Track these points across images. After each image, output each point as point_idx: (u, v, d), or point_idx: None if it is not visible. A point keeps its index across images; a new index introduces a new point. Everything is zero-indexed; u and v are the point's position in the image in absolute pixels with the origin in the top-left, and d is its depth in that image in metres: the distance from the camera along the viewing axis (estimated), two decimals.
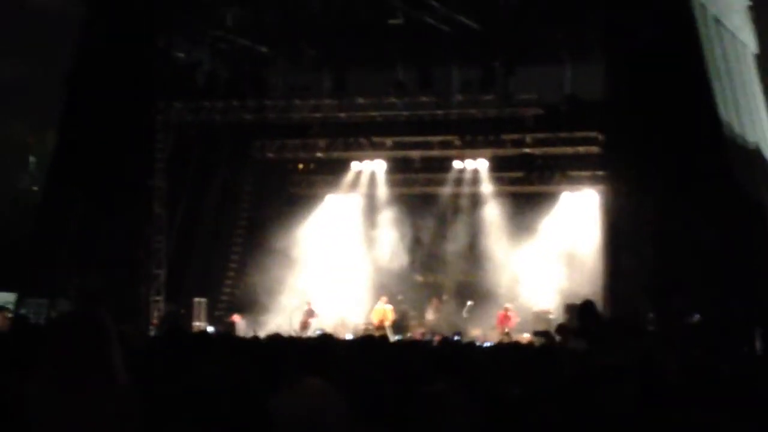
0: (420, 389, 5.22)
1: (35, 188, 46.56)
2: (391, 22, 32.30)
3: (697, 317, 26.50)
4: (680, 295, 27.56)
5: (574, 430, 6.69)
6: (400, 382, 7.56)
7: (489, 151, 35.28)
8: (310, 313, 34.65)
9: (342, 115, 33.64)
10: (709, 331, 24.82)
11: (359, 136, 35.41)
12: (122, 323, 28.09)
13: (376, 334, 31.70)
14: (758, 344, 23.81)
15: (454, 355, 13.22)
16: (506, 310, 33.88)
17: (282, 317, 34.88)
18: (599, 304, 29.55)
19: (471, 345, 19.56)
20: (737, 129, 30.52)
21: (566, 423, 6.68)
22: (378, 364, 10.14)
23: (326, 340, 15.81)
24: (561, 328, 16.32)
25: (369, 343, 16.24)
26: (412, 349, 15.01)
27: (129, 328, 26.71)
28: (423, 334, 33.76)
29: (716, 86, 29.57)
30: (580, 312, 15.05)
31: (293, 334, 28.67)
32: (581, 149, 34.04)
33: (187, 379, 8.82)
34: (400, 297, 36.59)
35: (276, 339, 15.63)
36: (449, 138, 34.87)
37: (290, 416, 6.84)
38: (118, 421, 5.23)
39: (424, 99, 33.04)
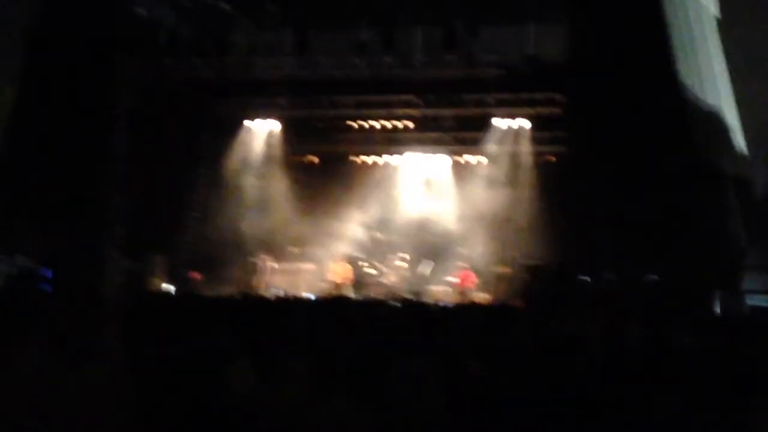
0: (388, 367, 5.29)
1: None
2: None
3: (654, 279, 26.73)
4: (639, 258, 27.77)
5: (535, 404, 6.78)
6: (362, 347, 7.63)
7: (450, 111, 35.27)
8: (270, 271, 34.64)
9: (304, 73, 33.51)
10: (668, 294, 25.04)
11: (321, 95, 35.32)
12: (81, 280, 28.12)
13: (335, 292, 31.86)
14: (717, 308, 24.08)
15: (413, 317, 13.32)
16: (465, 269, 33.99)
17: (240, 275, 34.84)
18: (556, 266, 29.92)
19: (429, 305, 19.65)
20: (697, 91, 30.69)
21: (527, 398, 6.76)
22: (340, 327, 10.20)
23: (289, 301, 15.91)
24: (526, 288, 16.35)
25: (330, 304, 16.34)
26: (372, 310, 15.10)
27: (86, 286, 26.78)
28: (381, 293, 33.82)
29: (677, 49, 29.71)
30: (555, 275, 15.14)
31: (252, 292, 28.74)
32: (543, 111, 34.09)
33: (147, 341, 8.86)
34: (359, 255, 36.62)
35: (238, 299, 15.71)
36: (410, 98, 34.83)
37: (254, 388, 6.88)
38: (108, 390, 5.23)
39: (386, 59, 32.98)
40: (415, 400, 5.07)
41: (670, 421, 5.99)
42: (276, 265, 34.95)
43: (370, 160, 38.33)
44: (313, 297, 29.68)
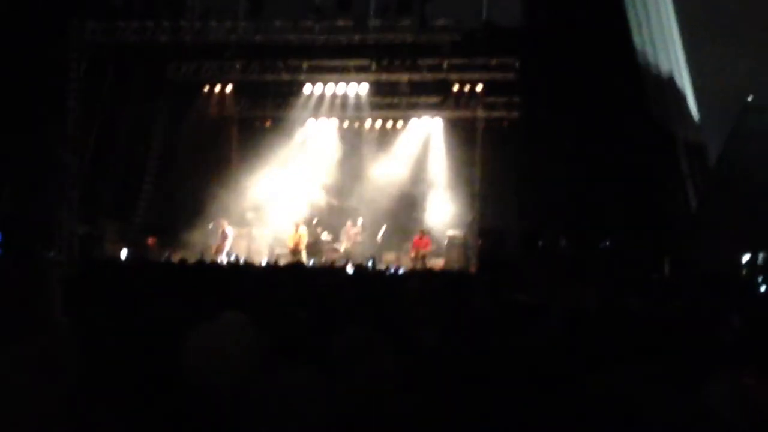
0: (338, 333, 5.27)
1: None
2: None
3: (607, 244, 26.90)
4: (592, 222, 27.92)
5: (491, 373, 6.78)
6: (317, 315, 7.61)
7: (405, 76, 35.23)
8: (224, 236, 34.57)
9: (258, 37, 33.32)
10: (620, 258, 25.19)
11: (275, 59, 35.17)
12: (35, 246, 27.95)
13: (291, 258, 31.85)
14: (667, 272, 24.24)
15: (368, 285, 13.33)
16: (421, 234, 34.07)
17: (196, 240, 34.78)
18: (512, 231, 30.06)
19: (384, 272, 19.72)
20: (651, 58, 30.80)
21: (482, 368, 6.76)
22: (295, 294, 10.19)
23: (242, 268, 15.88)
24: (483, 257, 16.38)
25: (285, 270, 16.33)
26: (327, 276, 15.10)
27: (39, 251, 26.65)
28: (337, 259, 33.89)
29: (631, 14, 29.81)
30: (521, 239, 15.16)
31: (206, 257, 28.67)
32: (498, 75, 34.13)
33: (97, 308, 8.80)
34: (314, 221, 36.63)
35: (192, 266, 15.66)
36: (365, 62, 34.75)
37: (207, 353, 6.83)
38: (53, 365, 5.14)
39: (341, 23, 32.84)
40: (366, 369, 5.05)
41: (628, 389, 6.01)
42: (232, 230, 34.85)
43: (325, 125, 38.33)
44: (265, 262, 29.70)
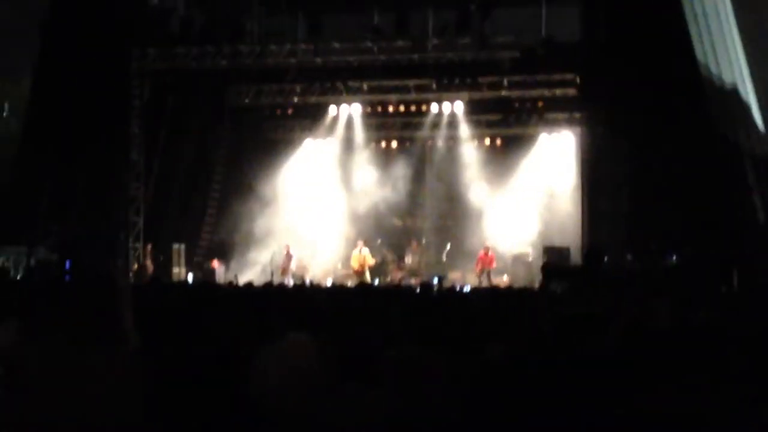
0: (391, 353, 5.25)
1: (11, 136, 46.22)
2: None
3: (674, 258, 26.65)
4: (658, 236, 27.68)
5: (559, 389, 6.72)
6: (382, 335, 7.58)
7: (466, 95, 35.18)
8: (289, 258, 34.68)
9: (318, 60, 33.43)
10: (688, 272, 24.95)
11: (335, 81, 35.26)
12: (101, 270, 28.15)
13: (355, 278, 31.86)
14: (736, 284, 23.95)
15: (434, 304, 13.28)
16: (486, 250, 33.94)
17: (261, 263, 34.93)
18: (577, 247, 29.87)
19: (451, 290, 19.64)
20: (714, 69, 30.52)
21: (550, 383, 6.70)
22: (360, 315, 10.16)
23: (309, 290, 15.88)
24: (545, 267, 16.28)
25: (350, 291, 16.31)
26: (393, 295, 15.05)
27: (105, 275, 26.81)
28: (402, 279, 33.86)
29: (693, 26, 29.56)
30: (585, 256, 15.01)
31: (272, 279, 28.76)
32: (558, 92, 34.02)
33: (165, 330, 8.83)
34: (378, 241, 36.68)
35: (258, 288, 15.69)
36: (425, 82, 34.76)
37: (272, 373, 6.84)
38: (125, 385, 5.19)
39: (400, 43, 32.87)
40: (423, 386, 5.03)
41: (699, 402, 5.93)
42: (296, 251, 34.98)
43: (387, 143, 38.38)
44: (330, 283, 29.73)
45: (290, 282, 32.05)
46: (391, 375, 5.08)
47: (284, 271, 34.07)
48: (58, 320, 5.26)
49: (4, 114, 53.71)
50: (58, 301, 5.30)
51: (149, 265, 33.10)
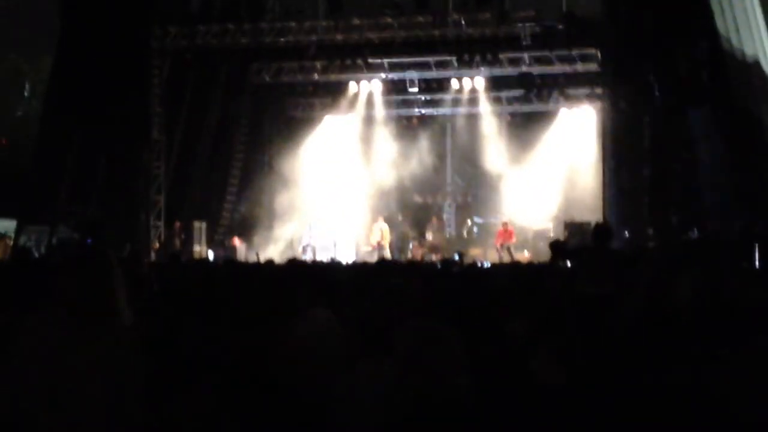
0: (405, 326, 5.29)
1: (32, 115, 46.40)
2: None
3: (696, 233, 26.58)
4: (679, 211, 27.63)
5: (581, 364, 6.75)
6: (400, 311, 7.61)
7: (486, 70, 35.12)
8: (310, 236, 34.77)
9: (338, 36, 33.38)
10: (709, 247, 24.89)
11: (356, 58, 35.22)
12: (122, 250, 28.27)
13: (376, 255, 31.92)
14: (757, 259, 23.87)
15: (454, 278, 13.32)
16: (505, 225, 33.97)
17: (282, 240, 35.04)
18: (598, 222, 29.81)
19: (472, 266, 19.66)
20: (735, 43, 30.37)
21: (571, 357, 6.73)
22: (379, 291, 10.18)
23: (329, 266, 15.93)
24: (554, 245, 16.20)
25: (371, 267, 16.36)
26: (413, 272, 15.08)
27: (126, 254, 26.90)
28: (423, 255, 33.91)
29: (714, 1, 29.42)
30: (594, 234, 14.96)
31: (294, 256, 28.82)
32: (579, 67, 33.90)
33: (188, 309, 8.89)
34: (399, 217, 36.73)
35: (279, 265, 15.74)
36: (446, 58, 34.70)
37: (296, 348, 6.90)
38: (119, 361, 5.29)
39: (420, 19, 32.79)
40: (437, 360, 5.06)
41: (721, 378, 5.92)
42: (318, 228, 35.08)
43: (406, 120, 38.38)
44: (351, 261, 29.79)
45: (310, 258, 32.13)
46: (406, 348, 5.11)
47: (304, 248, 34.17)
48: (55, 295, 5.40)
49: (27, 94, 53.93)
50: (54, 278, 5.43)
51: (177, 242, 33.20)
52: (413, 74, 35.37)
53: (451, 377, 4.97)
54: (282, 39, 33.54)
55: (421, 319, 5.54)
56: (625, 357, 6.60)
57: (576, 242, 27.47)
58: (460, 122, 37.49)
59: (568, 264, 15.05)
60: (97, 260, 5.50)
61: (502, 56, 33.87)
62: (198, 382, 6.19)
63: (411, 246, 35.91)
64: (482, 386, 5.25)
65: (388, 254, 32.97)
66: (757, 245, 24.15)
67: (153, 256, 31.47)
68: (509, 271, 16.02)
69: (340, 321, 7.35)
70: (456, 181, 38.04)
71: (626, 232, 27.56)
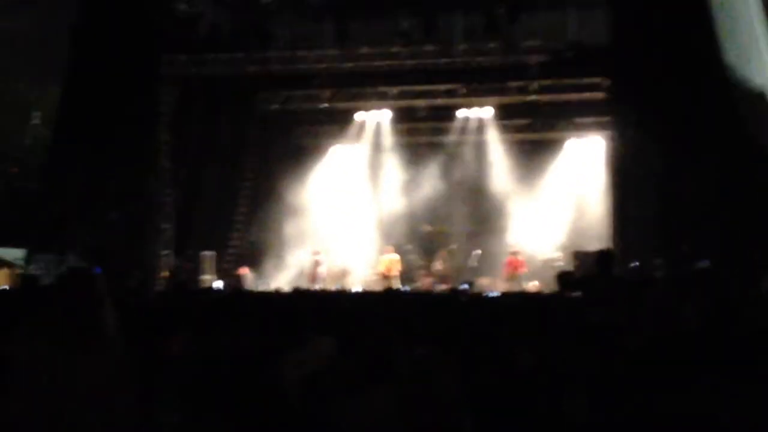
0: (406, 353, 5.26)
1: (41, 143, 46.49)
2: None
3: (705, 263, 26.49)
4: (688, 240, 27.55)
5: (586, 392, 6.70)
6: (405, 340, 7.58)
7: (494, 99, 35.14)
8: (318, 264, 34.72)
9: (346, 65, 33.44)
10: (718, 276, 24.80)
11: (364, 86, 35.27)
12: (130, 278, 28.24)
13: (384, 284, 31.86)
14: (764, 289, 23.80)
15: (460, 307, 13.27)
16: (514, 254, 33.90)
17: (290, 269, 35.00)
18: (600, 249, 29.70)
19: (480, 296, 19.60)
20: (742, 72, 30.37)
21: (577, 387, 6.69)
22: (388, 319, 10.16)
23: (338, 296, 15.89)
24: (560, 277, 16.18)
25: (378, 297, 16.31)
26: (419, 302, 15.05)
27: (134, 283, 26.88)
28: (431, 284, 33.85)
29: (721, 29, 29.39)
30: (597, 261, 14.91)
31: (302, 286, 28.78)
32: (587, 95, 33.91)
33: (195, 337, 8.86)
34: (407, 247, 36.68)
35: (287, 295, 15.71)
36: (454, 86, 34.71)
37: (299, 377, 6.87)
38: (108, 381, 5.27)
39: (428, 48, 32.84)
40: (448, 390, 5.02)
41: (728, 404, 5.89)
42: (325, 257, 35.04)
43: (414, 148, 38.37)
44: (360, 290, 29.74)
45: (318, 288, 32.09)
46: (405, 377, 5.08)
47: (313, 278, 34.10)
48: (44, 322, 5.39)
49: (35, 122, 54.02)
50: (44, 305, 5.43)
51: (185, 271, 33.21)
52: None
53: (450, 407, 4.93)
54: (290, 67, 33.60)
55: (422, 348, 5.51)
56: (636, 384, 6.56)
57: (583, 272, 27.40)
58: (468, 151, 37.42)
59: (577, 294, 14.99)
60: (79, 284, 5.49)
61: (509, 84, 33.89)
62: (200, 407, 6.16)
63: (419, 275, 35.86)
64: (486, 416, 5.21)
65: (396, 284, 32.90)
66: (766, 274, 24.07)
67: (161, 284, 31.43)
68: (517, 301, 15.97)
69: (345, 350, 7.32)
70: (464, 210, 37.94)
71: (635, 262, 27.49)
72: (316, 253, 34.93)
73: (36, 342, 5.41)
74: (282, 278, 33.47)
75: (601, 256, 15.03)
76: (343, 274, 35.16)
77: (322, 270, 34.62)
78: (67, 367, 5.27)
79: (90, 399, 5.26)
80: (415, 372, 5.08)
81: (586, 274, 20.82)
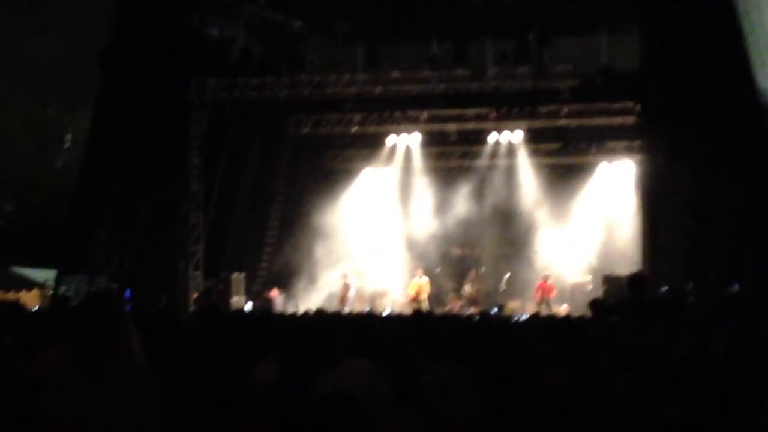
0: (428, 376, 5.27)
1: (72, 167, 46.77)
2: None
3: (736, 288, 26.35)
4: (719, 265, 27.42)
5: (617, 416, 6.68)
6: (433, 362, 7.59)
7: (524, 123, 35.14)
8: (347, 288, 34.71)
9: (377, 89, 33.53)
10: (749, 301, 24.66)
11: (394, 110, 35.33)
12: (160, 301, 28.33)
13: (413, 307, 31.83)
14: None
15: (489, 330, 13.25)
16: (545, 278, 33.80)
17: (320, 292, 35.02)
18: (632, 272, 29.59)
19: (509, 319, 19.58)
20: None
21: (607, 411, 6.67)
22: (418, 342, 10.16)
23: (368, 318, 15.89)
24: (593, 304, 16.18)
25: (409, 320, 16.31)
26: (449, 325, 15.04)
27: (165, 305, 26.96)
28: (461, 307, 33.81)
29: (752, 52, 29.32)
30: (629, 284, 14.89)
31: (332, 309, 28.80)
32: (617, 120, 33.90)
33: (225, 359, 8.88)
34: (437, 270, 36.66)
35: (316, 318, 15.73)
36: (484, 110, 34.76)
37: (334, 400, 6.87)
38: (134, 403, 5.29)
39: (458, 72, 32.90)
40: (469, 410, 5.03)
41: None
42: (355, 280, 35.03)
43: (445, 172, 38.35)
44: (388, 312, 29.72)
45: (350, 309, 32.09)
46: (428, 398, 5.09)
47: (343, 301, 34.10)
48: (67, 345, 5.44)
49: (67, 145, 54.35)
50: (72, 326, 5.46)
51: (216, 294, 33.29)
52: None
53: (470, 428, 4.94)
54: (320, 91, 33.71)
55: (445, 369, 5.52)
56: (673, 406, 6.55)
57: (614, 297, 27.29)
58: (499, 174, 37.38)
59: (613, 319, 14.96)
60: (98, 305, 5.53)
61: (540, 109, 33.90)
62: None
63: (449, 299, 35.83)
64: None
65: (425, 306, 32.86)
66: None
67: (192, 306, 31.49)
68: (547, 324, 15.94)
69: (376, 372, 7.33)
70: (494, 233, 37.90)
71: (665, 286, 27.37)
72: (345, 276, 34.92)
73: (61, 363, 5.45)
74: (312, 300, 33.47)
75: (633, 280, 14.98)
76: (372, 298, 35.16)
77: (351, 293, 34.60)
78: (91, 387, 5.30)
79: (114, 422, 5.29)
80: (435, 393, 5.09)
81: (618, 299, 20.78)
